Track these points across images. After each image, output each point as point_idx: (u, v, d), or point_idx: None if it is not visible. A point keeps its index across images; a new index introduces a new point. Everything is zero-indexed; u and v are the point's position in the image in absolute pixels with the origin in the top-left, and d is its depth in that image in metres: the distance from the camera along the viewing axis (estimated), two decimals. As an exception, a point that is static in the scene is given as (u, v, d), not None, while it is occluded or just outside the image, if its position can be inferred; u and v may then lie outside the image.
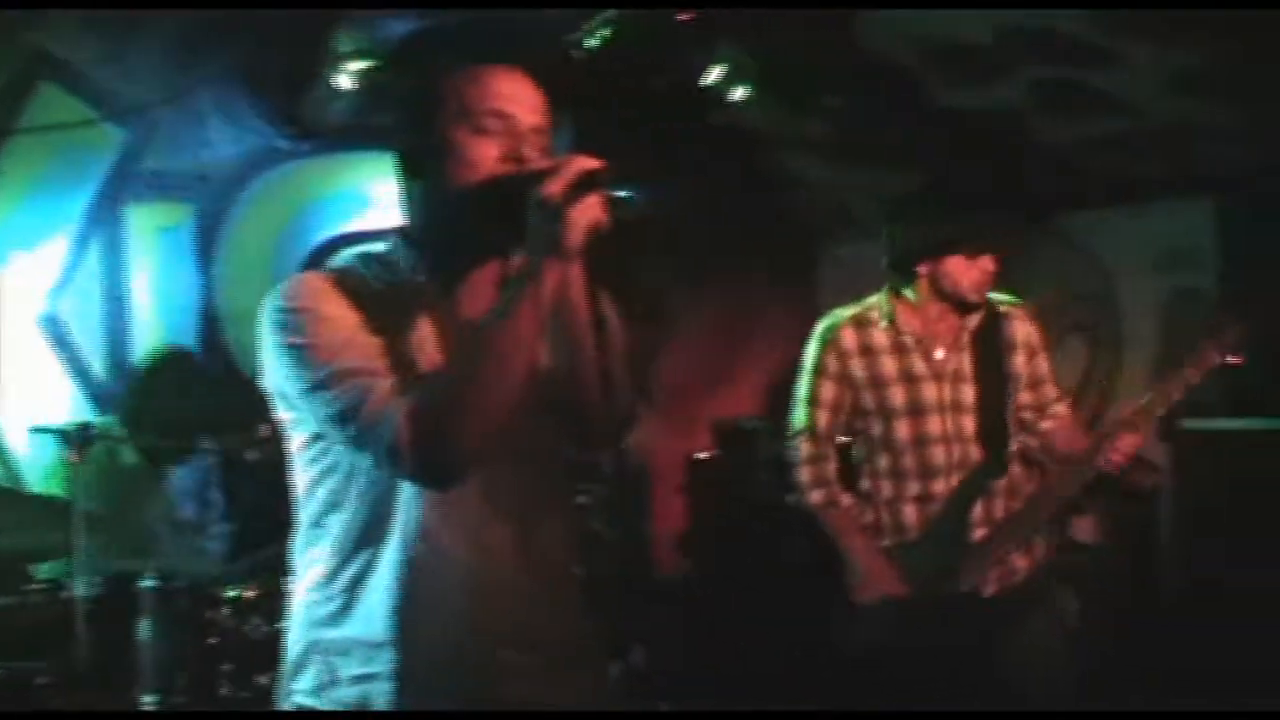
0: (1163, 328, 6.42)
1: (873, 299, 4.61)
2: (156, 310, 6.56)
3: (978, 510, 4.45)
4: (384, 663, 2.50)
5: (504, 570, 2.56)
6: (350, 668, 2.52)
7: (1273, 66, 5.04)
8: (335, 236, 7.04)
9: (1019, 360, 4.55)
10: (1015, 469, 4.53)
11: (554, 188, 2.30)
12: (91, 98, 6.55)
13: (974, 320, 4.52)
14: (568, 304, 2.44)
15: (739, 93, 6.34)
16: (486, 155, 2.47)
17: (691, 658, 7.00)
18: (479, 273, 2.58)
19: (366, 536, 2.52)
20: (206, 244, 6.84)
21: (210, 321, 6.69)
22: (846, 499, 4.58)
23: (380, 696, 2.50)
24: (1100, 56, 5.44)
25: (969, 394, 4.49)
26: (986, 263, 4.40)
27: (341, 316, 2.45)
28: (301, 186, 7.10)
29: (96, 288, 6.56)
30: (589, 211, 2.31)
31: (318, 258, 6.92)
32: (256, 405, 4.89)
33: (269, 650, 4.72)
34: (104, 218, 6.58)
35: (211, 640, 4.77)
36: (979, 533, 4.44)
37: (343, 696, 2.52)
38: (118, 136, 6.64)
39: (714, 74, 6.24)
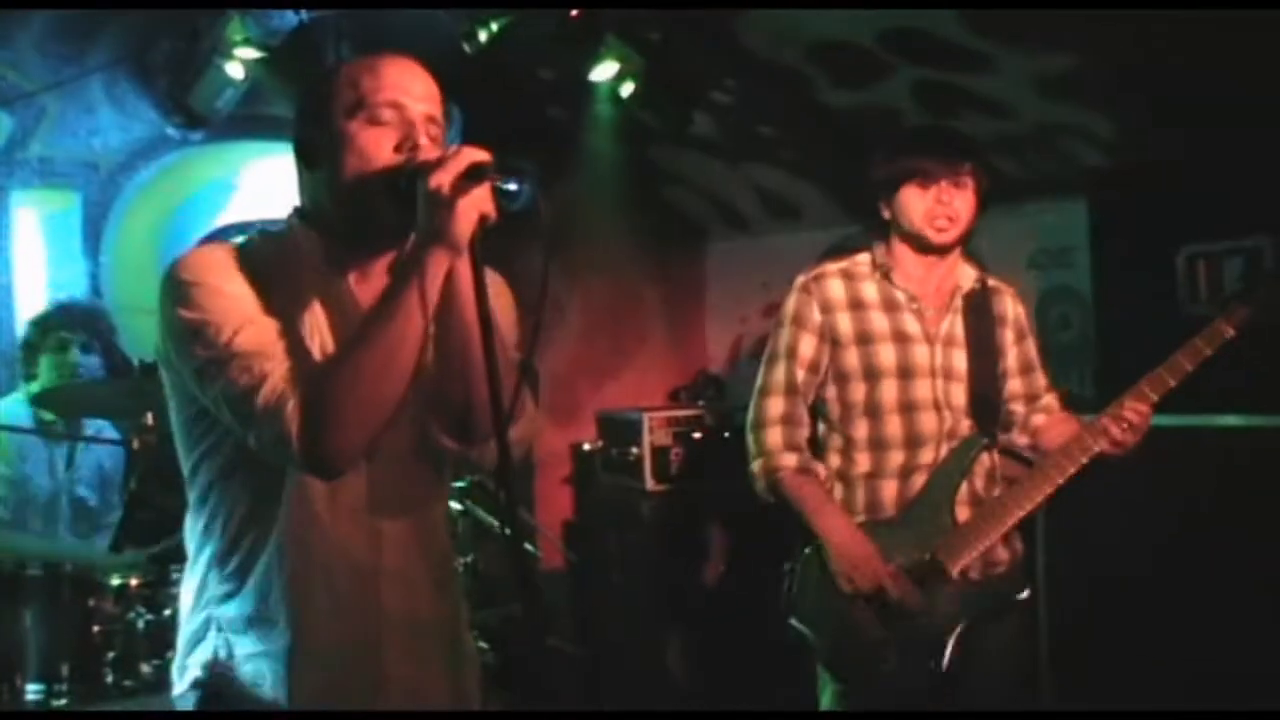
0: (1038, 326, 6.54)
1: (860, 255, 4.33)
2: (42, 298, 6.50)
3: (964, 489, 4.14)
4: (276, 641, 2.54)
5: (390, 556, 2.61)
6: (245, 645, 2.56)
7: (1138, 70, 5.17)
8: (225, 226, 6.99)
9: (1009, 337, 4.32)
10: (995, 453, 4.28)
11: (443, 178, 2.33)
12: (-25, 83, 6.50)
13: (966, 283, 4.27)
14: (454, 295, 2.46)
15: (625, 88, 6.39)
16: (380, 145, 2.51)
17: (580, 648, 7.06)
18: (373, 261, 2.62)
19: (255, 516, 2.55)
20: (94, 232, 6.79)
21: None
22: (820, 468, 4.19)
23: (272, 674, 2.54)
24: (973, 60, 5.55)
25: (960, 360, 4.20)
26: (940, 192, 4.12)
27: (240, 294, 2.46)
28: (190, 175, 7.05)
29: (-19, 273, 6.51)
30: (477, 203, 2.33)
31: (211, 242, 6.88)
32: (143, 394, 4.95)
33: (154, 639, 4.74)
34: (-12, 203, 6.54)
35: (96, 628, 4.75)
36: (963, 513, 4.12)
37: (238, 672, 2.56)
38: (5, 122, 6.56)
39: (602, 69, 6.29)
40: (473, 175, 2.33)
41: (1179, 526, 5.03)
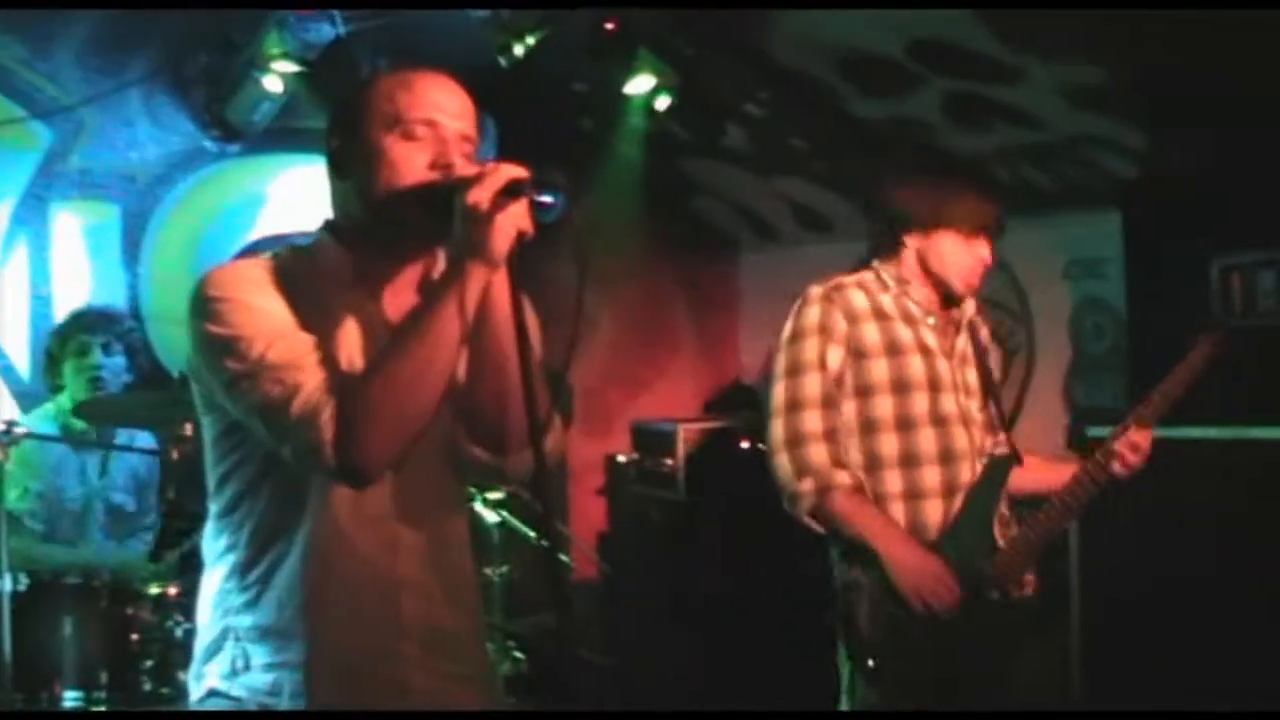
0: (1072, 338, 6.55)
1: (862, 272, 4.16)
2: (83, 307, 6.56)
3: (1002, 507, 4.05)
4: (293, 651, 2.56)
5: (409, 567, 2.63)
6: (262, 655, 2.58)
7: (1171, 80, 5.16)
8: (260, 239, 7.07)
9: (995, 364, 4.27)
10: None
11: (481, 195, 2.33)
12: (18, 96, 6.55)
13: (969, 307, 4.17)
14: (490, 310, 2.47)
15: (659, 100, 6.41)
16: (414, 161, 2.52)
17: (611, 659, 7.07)
18: (405, 275, 2.63)
19: (279, 527, 2.57)
20: (132, 244, 6.86)
21: (135, 320, 6.70)
22: (865, 484, 3.97)
23: (290, 684, 2.56)
24: (1004, 71, 5.56)
25: (974, 378, 4.11)
26: (983, 248, 4.03)
27: (269, 309, 2.48)
28: (227, 187, 7.11)
29: (23, 286, 6.58)
30: (515, 219, 2.34)
31: (242, 259, 6.93)
32: (180, 404, 5.00)
33: (190, 647, 4.76)
34: (30, 216, 6.60)
35: (134, 637, 4.79)
36: (1002, 533, 4.02)
37: (254, 682, 2.58)
38: (44, 135, 6.64)
39: (636, 82, 6.31)
40: (511, 192, 2.34)
41: (1215, 539, 5.01)
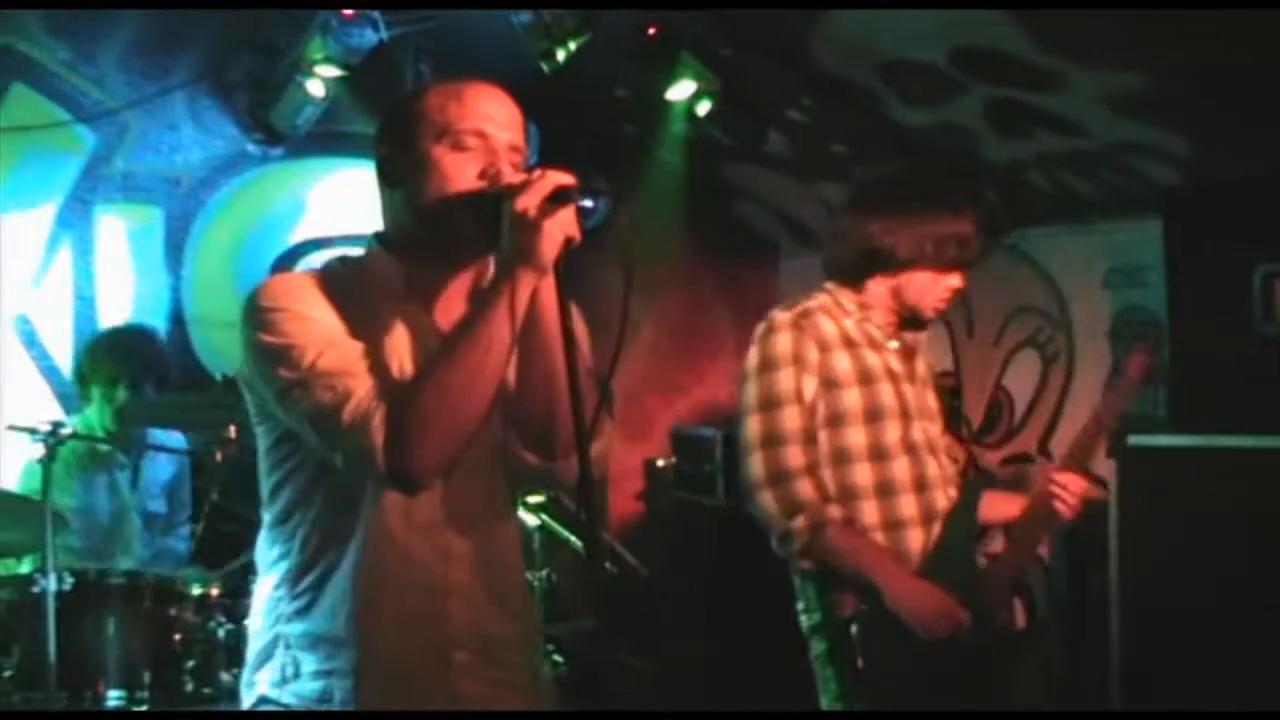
0: (1111, 345, 6.52)
1: (819, 296, 4.06)
2: (125, 312, 6.61)
3: (978, 532, 4.04)
4: (344, 659, 2.58)
5: (460, 573, 2.65)
6: (313, 662, 2.60)
7: (1213, 87, 5.15)
8: (302, 242, 7.12)
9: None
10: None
11: (528, 201, 2.36)
12: (62, 100, 6.61)
13: (922, 335, 4.13)
14: (539, 316, 2.49)
15: (700, 106, 6.42)
16: (465, 172, 2.55)
17: (651, 663, 7.08)
18: (455, 284, 2.65)
19: (331, 535, 2.59)
20: (175, 247, 6.90)
21: (178, 323, 6.75)
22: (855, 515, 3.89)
23: (340, 691, 2.58)
24: (1046, 78, 5.55)
25: (933, 401, 4.10)
26: (956, 278, 3.98)
27: (321, 318, 2.51)
28: (270, 191, 7.15)
29: (67, 288, 6.63)
30: (562, 225, 2.37)
31: (284, 263, 7.02)
32: (223, 407, 5.03)
33: (232, 648, 4.80)
34: (74, 219, 6.65)
35: (176, 637, 4.82)
36: (984, 558, 4.04)
37: (305, 690, 2.60)
38: (88, 139, 6.69)
39: (678, 87, 6.32)
40: (558, 198, 2.37)
41: (1254, 548, 4.99)
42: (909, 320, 4.05)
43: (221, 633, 4.84)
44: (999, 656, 3.98)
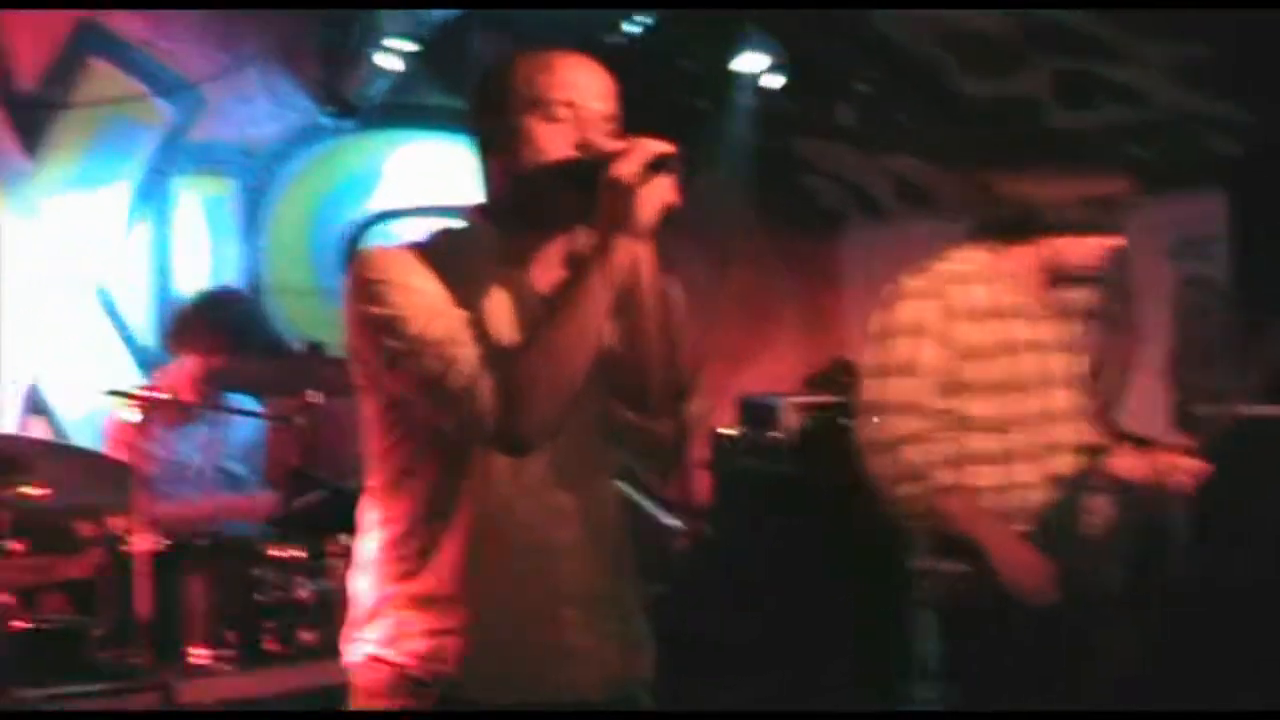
0: (1176, 316, 6.52)
1: (955, 260, 3.96)
2: (202, 281, 6.74)
3: (1098, 500, 3.91)
4: (455, 618, 2.62)
5: (568, 533, 2.68)
6: (424, 622, 2.64)
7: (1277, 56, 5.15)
8: (377, 213, 7.23)
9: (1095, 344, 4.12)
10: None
11: (626, 168, 2.41)
12: (140, 73, 6.73)
13: (1078, 298, 4.03)
14: (636, 280, 2.54)
15: (768, 78, 6.45)
16: (558, 142, 2.57)
17: (716, 631, 7.13)
18: (553, 250, 2.68)
19: (441, 499, 2.63)
20: (251, 217, 7.02)
21: (254, 292, 6.86)
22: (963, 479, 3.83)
23: (451, 650, 2.62)
24: (1112, 49, 5.55)
25: (1072, 366, 3.99)
26: (1113, 239, 3.89)
27: (425, 288, 2.55)
28: (342, 162, 7.26)
29: (145, 257, 6.77)
30: (661, 191, 2.42)
31: (359, 233, 7.14)
32: (302, 372, 5.12)
33: (313, 608, 4.89)
34: (152, 191, 6.77)
35: (258, 596, 4.90)
36: (1097, 524, 3.90)
37: (415, 648, 2.64)
38: (166, 111, 6.81)
39: (745, 60, 6.35)
40: (656, 165, 2.42)
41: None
42: (1059, 282, 3.96)
43: (302, 592, 4.90)
44: (1100, 621, 3.94)
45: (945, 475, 3.81)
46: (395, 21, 6.30)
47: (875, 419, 3.87)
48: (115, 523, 4.95)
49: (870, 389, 3.92)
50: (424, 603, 2.65)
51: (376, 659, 2.69)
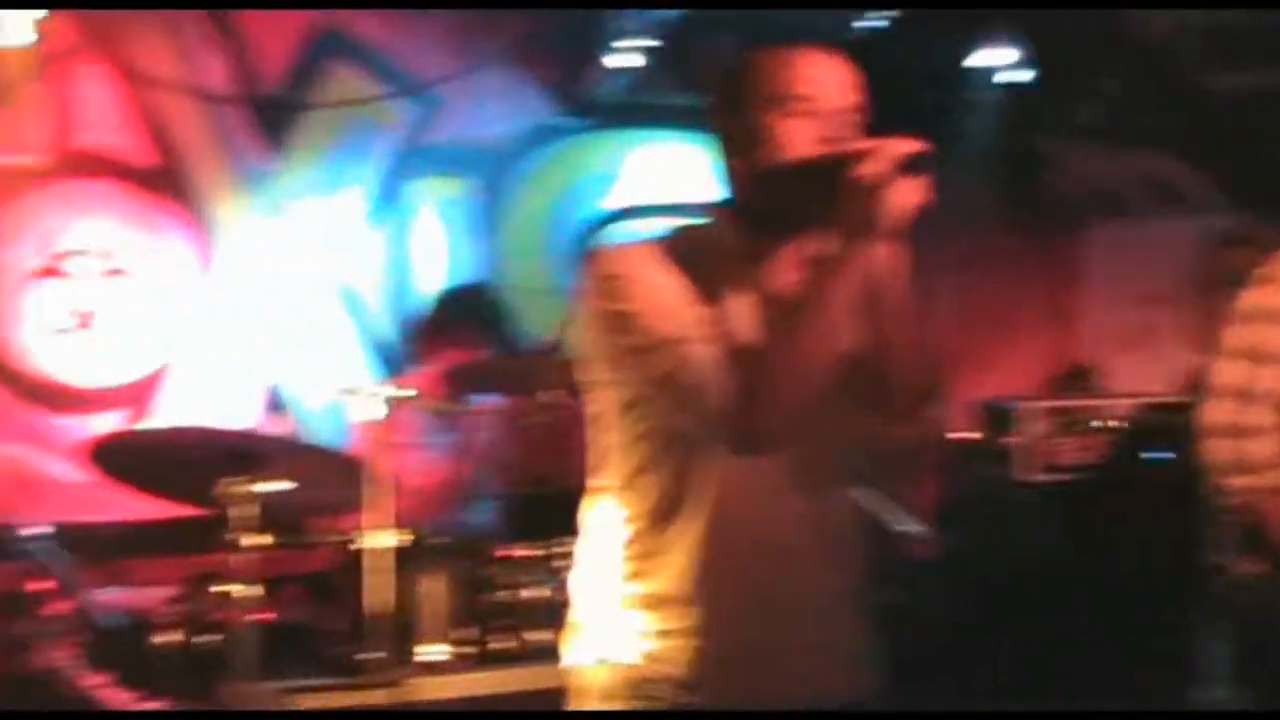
0: None
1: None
2: (440, 279, 6.82)
3: None
4: (688, 619, 2.60)
5: (801, 536, 2.64)
6: (656, 623, 2.63)
7: None
8: (612, 212, 7.26)
9: None
10: None
11: (872, 168, 2.36)
12: (379, 75, 6.86)
13: None
14: (881, 282, 2.49)
15: (1012, 74, 6.32)
16: (801, 138, 2.53)
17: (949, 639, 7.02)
18: (795, 249, 2.63)
19: (677, 499, 2.61)
20: (487, 216, 7.10)
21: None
22: None
23: (680, 651, 2.60)
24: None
25: None
26: None
27: (663, 285, 2.53)
28: (578, 162, 7.31)
29: (383, 257, 6.88)
30: (910, 191, 2.37)
31: (594, 232, 7.17)
32: (537, 372, 5.12)
33: (541, 608, 4.88)
34: (390, 191, 6.89)
35: (486, 595, 4.92)
36: None
37: (647, 648, 2.62)
38: (402, 111, 6.91)
39: (987, 55, 6.23)
40: (905, 166, 2.37)
41: None
42: None
43: (529, 592, 4.91)
44: None
45: (1276, 476, 3.66)
46: (631, 21, 6.29)
47: (1228, 404, 3.74)
48: (352, 520, 5.01)
49: (1227, 372, 3.78)
50: (655, 603, 2.64)
51: (604, 660, 2.68)
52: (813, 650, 2.67)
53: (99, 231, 6.55)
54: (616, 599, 2.69)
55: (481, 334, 5.69)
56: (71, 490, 5.83)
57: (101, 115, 6.57)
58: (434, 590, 4.83)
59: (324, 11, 6.71)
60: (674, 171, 7.27)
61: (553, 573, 4.88)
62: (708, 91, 2.78)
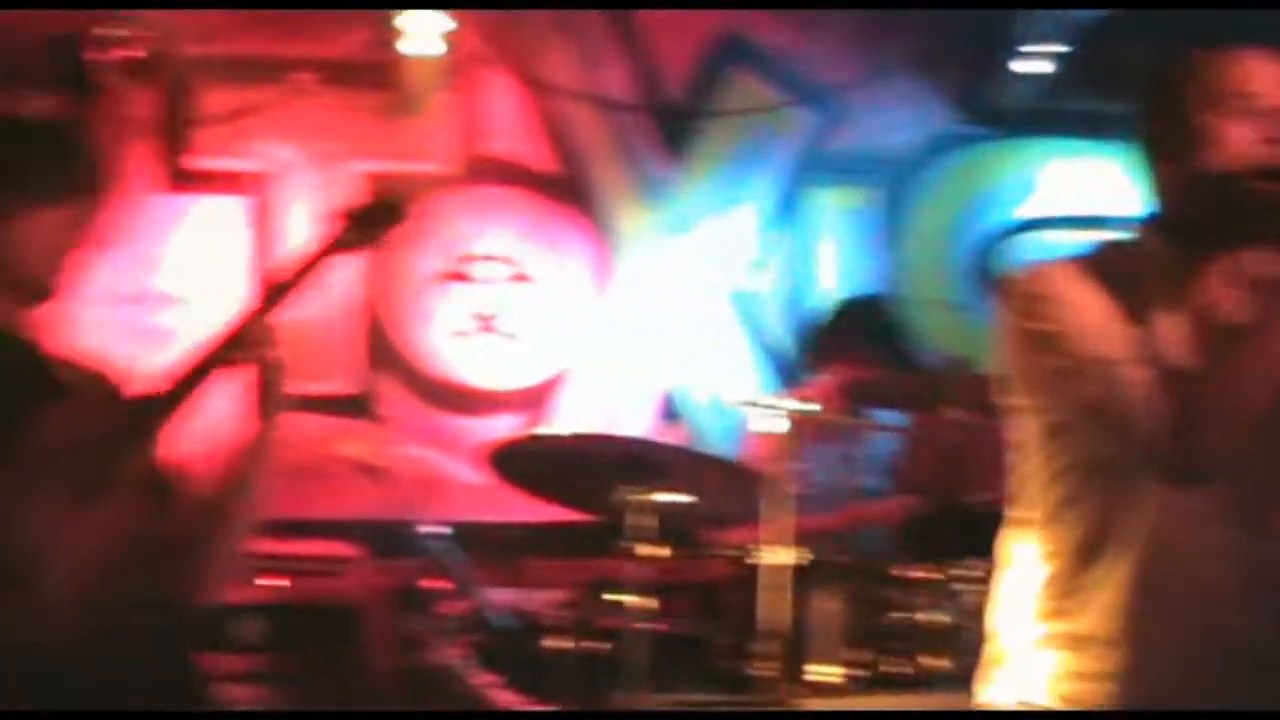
0: None
1: None
2: (837, 291, 6.72)
3: None
4: (1114, 662, 2.46)
5: (1236, 575, 2.46)
6: (1080, 664, 2.50)
7: None
8: (1022, 224, 7.03)
9: None
10: None
11: None
12: (780, 82, 6.83)
13: None
14: None
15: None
16: (1246, 140, 2.39)
17: None
18: (1228, 264, 2.48)
19: (1107, 533, 2.47)
20: (888, 227, 6.99)
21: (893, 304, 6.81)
22: None
23: (1108, 695, 2.47)
24: None
25: None
26: None
27: (1089, 304, 2.41)
28: (983, 172, 7.10)
29: (782, 266, 6.84)
30: None
31: (998, 246, 6.96)
32: (933, 388, 4.97)
33: (937, 634, 4.73)
34: (789, 199, 6.86)
35: (881, 617, 4.80)
36: None
37: (1069, 691, 2.50)
38: (803, 119, 6.87)
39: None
40: None
41: None
42: None
43: (926, 617, 4.78)
44: None
45: None
46: (1041, 24, 6.09)
47: None
48: (746, 533, 4.96)
49: None
50: (1076, 644, 2.51)
51: (1025, 701, 2.56)
52: (1243, 700, 2.47)
53: (504, 237, 6.70)
54: (1039, 637, 2.56)
55: (877, 347, 5.58)
56: (470, 491, 5.94)
57: (506, 123, 6.74)
58: (828, 609, 4.75)
59: (726, 18, 6.71)
60: (1085, 184, 7.00)
61: (951, 597, 4.74)
62: (1130, 96, 2.64)
